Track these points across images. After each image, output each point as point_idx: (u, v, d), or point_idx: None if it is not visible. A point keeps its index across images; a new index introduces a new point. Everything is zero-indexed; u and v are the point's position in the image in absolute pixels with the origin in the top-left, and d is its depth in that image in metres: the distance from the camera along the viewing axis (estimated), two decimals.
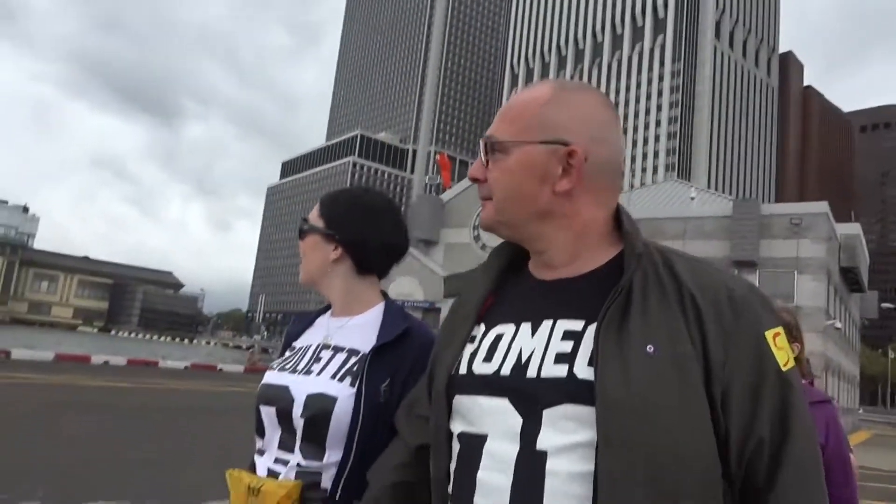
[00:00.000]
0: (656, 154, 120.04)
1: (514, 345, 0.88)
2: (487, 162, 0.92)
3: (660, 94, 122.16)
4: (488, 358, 0.89)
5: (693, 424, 0.77)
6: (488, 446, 0.84)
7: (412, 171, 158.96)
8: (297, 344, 1.40)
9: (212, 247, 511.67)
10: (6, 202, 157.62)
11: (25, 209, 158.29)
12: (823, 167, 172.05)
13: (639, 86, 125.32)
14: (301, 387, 1.25)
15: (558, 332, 0.85)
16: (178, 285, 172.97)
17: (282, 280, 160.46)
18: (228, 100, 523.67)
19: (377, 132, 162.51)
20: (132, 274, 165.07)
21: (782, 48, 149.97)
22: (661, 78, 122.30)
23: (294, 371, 1.31)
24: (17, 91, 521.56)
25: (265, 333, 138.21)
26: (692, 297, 0.82)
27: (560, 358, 0.83)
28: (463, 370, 0.92)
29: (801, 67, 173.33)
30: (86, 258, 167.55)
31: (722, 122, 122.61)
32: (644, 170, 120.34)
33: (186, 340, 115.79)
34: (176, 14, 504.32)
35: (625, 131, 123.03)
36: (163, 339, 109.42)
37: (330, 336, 1.33)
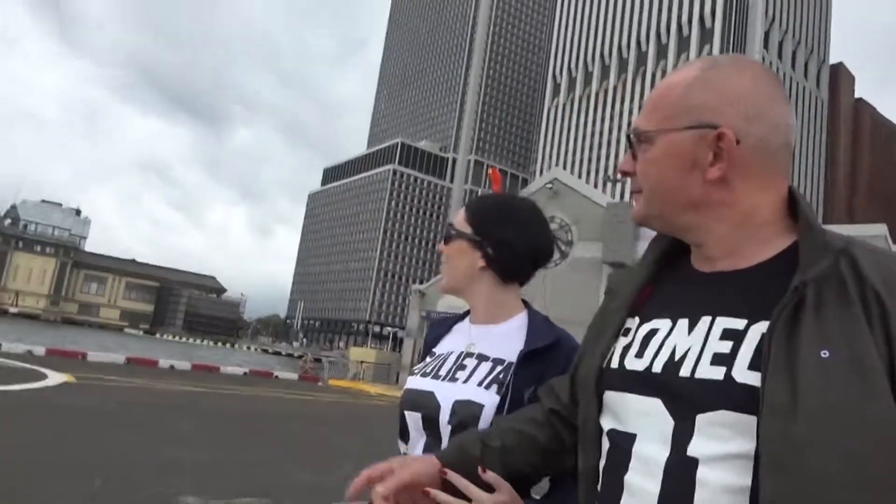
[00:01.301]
0: None
1: (668, 341, 0.84)
2: (634, 155, 0.88)
3: None
4: (640, 353, 0.86)
5: (874, 441, 0.67)
6: (637, 447, 0.81)
7: (451, 180, 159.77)
8: (437, 350, 1.40)
9: (252, 252, 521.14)
10: (60, 204, 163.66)
11: (78, 212, 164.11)
12: (874, 181, 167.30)
13: None
14: (447, 393, 1.25)
15: (717, 331, 0.80)
16: (220, 290, 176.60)
17: (320, 287, 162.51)
18: (272, 106, 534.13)
19: (418, 140, 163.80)
20: (177, 277, 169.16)
21: (833, 59, 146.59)
22: None
23: (437, 377, 1.31)
24: (71, 95, 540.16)
25: (304, 340, 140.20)
26: (877, 296, 0.72)
27: (717, 359, 0.77)
28: (615, 364, 0.89)
29: (852, 79, 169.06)
30: (133, 261, 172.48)
31: None
32: None
33: (228, 345, 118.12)
34: (225, 21, 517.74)
35: None
36: (205, 343, 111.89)
37: (474, 343, 1.32)
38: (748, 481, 0.71)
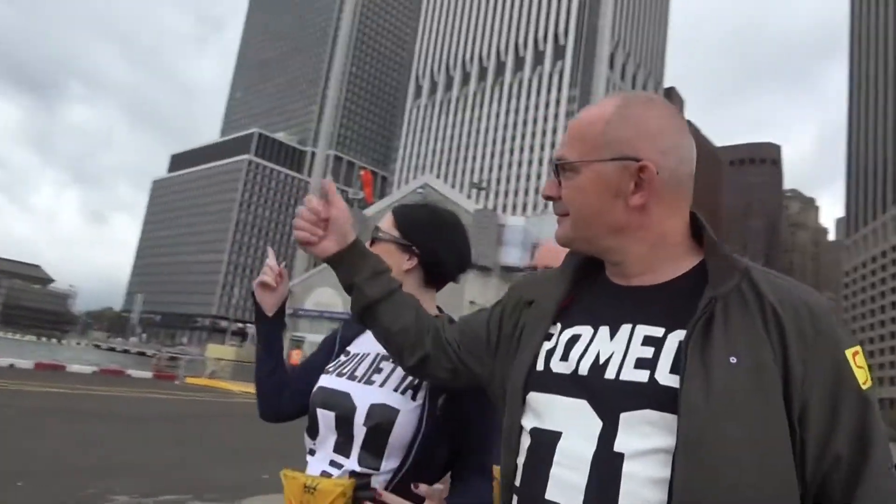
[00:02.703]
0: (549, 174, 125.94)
1: (591, 346, 0.91)
2: (559, 181, 0.94)
3: (556, 117, 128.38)
4: (564, 357, 0.92)
5: (772, 434, 0.78)
6: (563, 444, 0.86)
7: (309, 174, 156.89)
8: (353, 350, 1.42)
9: (85, 240, 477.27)
10: None
11: None
12: (697, 197, 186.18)
13: (537, 107, 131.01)
14: (364, 395, 1.28)
15: (638, 337, 0.88)
16: (46, 280, 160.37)
17: (164, 279, 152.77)
18: (116, 84, 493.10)
19: (275, 131, 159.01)
20: None
21: (666, 83, 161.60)
22: (558, 102, 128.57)
23: (353, 378, 1.33)
24: None
25: (143, 335, 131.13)
26: (773, 311, 0.83)
27: (641, 363, 0.85)
28: (540, 367, 0.94)
29: (682, 102, 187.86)
30: None
31: None
32: (538, 189, 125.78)
33: (55, 340, 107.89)
34: None
35: (521, 150, 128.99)
36: (27, 338, 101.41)
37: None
38: (668, 473, 0.78)
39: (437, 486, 1.22)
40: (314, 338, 27.57)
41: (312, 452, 1.33)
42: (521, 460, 0.92)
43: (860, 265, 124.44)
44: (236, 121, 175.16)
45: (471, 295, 27.02)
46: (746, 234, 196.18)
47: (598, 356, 0.89)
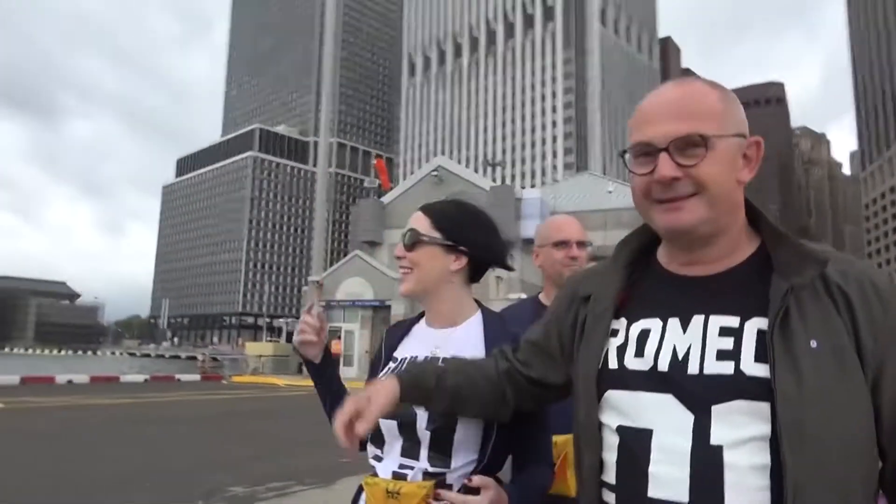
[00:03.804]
0: (554, 139, 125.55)
1: (665, 340, 0.91)
2: (676, 161, 0.90)
3: (553, 80, 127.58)
4: (639, 353, 0.92)
5: (860, 411, 0.83)
6: (657, 441, 0.87)
7: (315, 164, 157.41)
8: (399, 354, 1.43)
9: (103, 253, 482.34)
10: None
11: None
12: None
13: (533, 73, 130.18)
14: None
15: (714, 328, 0.88)
16: (73, 295, 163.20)
17: (186, 283, 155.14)
18: (112, 95, 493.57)
19: (276, 125, 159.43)
20: (22, 286, 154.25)
21: (661, 33, 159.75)
22: (553, 66, 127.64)
23: None
24: None
25: (174, 339, 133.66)
26: (841, 291, 0.86)
27: (722, 355, 0.86)
28: (613, 365, 0.95)
29: (678, 51, 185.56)
30: None
31: (612, 106, 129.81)
32: (543, 156, 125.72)
33: (90, 353, 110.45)
34: (50, 2, 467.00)
35: (522, 118, 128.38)
36: (63, 353, 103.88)
37: (439, 347, 1.35)
38: (767, 459, 0.82)
39: (488, 478, 1.22)
40: (349, 326, 28.55)
41: (378, 459, 1.34)
42: (610, 457, 0.93)
43: (879, 196, 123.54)
44: (236, 118, 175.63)
45: (496, 271, 27.69)
46: (758, 178, 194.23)
47: (674, 350, 0.89)
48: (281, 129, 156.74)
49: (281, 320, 53.19)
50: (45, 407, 14.25)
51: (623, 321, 0.97)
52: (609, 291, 1.01)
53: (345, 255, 37.25)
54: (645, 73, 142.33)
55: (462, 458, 1.27)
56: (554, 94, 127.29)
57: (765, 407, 0.82)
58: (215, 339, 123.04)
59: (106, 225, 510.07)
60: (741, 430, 0.83)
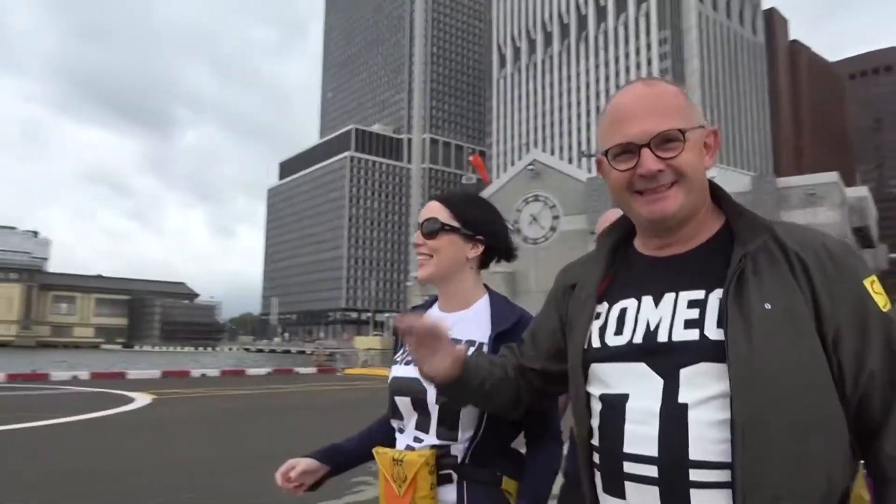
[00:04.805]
0: None
1: (640, 316, 1.01)
2: (656, 154, 0.98)
3: (648, 62, 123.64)
4: (619, 331, 1.02)
5: (811, 364, 0.90)
6: (631, 403, 0.97)
7: (409, 161, 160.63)
8: None
9: (216, 254, 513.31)
10: (15, 228, 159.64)
11: (35, 234, 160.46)
12: (816, 119, 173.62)
13: (627, 56, 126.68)
14: None
15: (682, 302, 0.98)
16: (192, 295, 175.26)
17: (293, 281, 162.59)
18: (216, 104, 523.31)
19: (370, 124, 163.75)
20: (147, 288, 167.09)
21: (765, 4, 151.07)
22: (648, 47, 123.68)
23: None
24: (6, 114, 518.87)
25: (285, 335, 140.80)
26: (798, 258, 0.94)
27: (689, 323, 0.95)
28: (596, 343, 1.05)
29: (785, 22, 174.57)
30: (99, 276, 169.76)
31: (713, 86, 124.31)
32: None
33: (210, 349, 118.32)
34: (155, 19, 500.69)
35: None
36: (186, 349, 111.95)
37: (450, 330, 1.36)
38: (727, 414, 0.89)
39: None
40: None
41: (401, 431, 1.48)
42: (595, 422, 1.03)
43: None
44: (332, 120, 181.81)
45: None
46: (880, 150, 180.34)
47: (647, 324, 0.99)
48: (376, 127, 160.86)
49: (385, 315, 55.20)
50: (188, 397, 15.96)
51: (605, 304, 1.06)
52: (592, 279, 1.10)
53: None
54: (748, 49, 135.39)
55: (468, 431, 1.38)
56: (650, 76, 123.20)
57: (724, 368, 0.90)
58: (322, 335, 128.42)
59: (217, 227, 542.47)
60: (704, 389, 0.91)
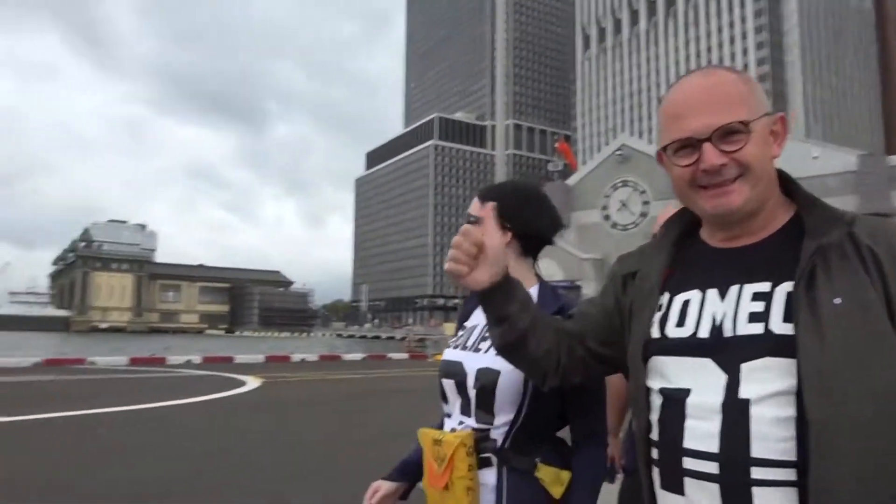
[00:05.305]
0: None
1: (704, 309, 0.98)
2: (719, 148, 0.96)
3: (743, 36, 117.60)
4: (681, 323, 1.00)
5: (885, 362, 0.85)
6: (692, 399, 0.94)
7: (493, 147, 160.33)
8: (468, 323, 1.59)
9: (308, 242, 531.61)
10: (125, 222, 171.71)
11: (143, 227, 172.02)
12: None
13: (720, 30, 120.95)
14: (472, 362, 1.46)
15: (747, 295, 0.95)
16: (288, 283, 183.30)
17: (381, 268, 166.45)
18: (305, 97, 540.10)
19: (453, 112, 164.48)
20: (245, 276, 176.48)
21: None
22: (742, 20, 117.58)
23: (465, 348, 1.51)
24: (112, 114, 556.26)
25: (375, 321, 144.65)
26: (869, 248, 0.90)
27: (754, 317, 0.92)
28: (656, 335, 1.02)
29: None
30: (202, 266, 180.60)
31: (815, 60, 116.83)
32: None
33: (304, 334, 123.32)
34: (244, 18, 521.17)
35: None
36: (283, 334, 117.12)
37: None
38: (793, 412, 0.86)
39: None
40: None
41: (448, 415, 1.52)
42: (654, 417, 1.00)
43: None
44: (416, 109, 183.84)
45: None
46: None
47: (713, 318, 0.96)
48: (459, 115, 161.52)
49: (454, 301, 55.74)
50: (294, 381, 16.91)
51: (667, 295, 1.04)
52: (655, 268, 1.08)
53: None
54: (854, 16, 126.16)
55: (505, 416, 1.40)
56: (745, 51, 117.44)
57: (791, 363, 0.87)
58: (410, 321, 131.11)
59: (308, 217, 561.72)
60: (767, 384, 0.88)
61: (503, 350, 1.20)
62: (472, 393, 1.43)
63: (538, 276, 1.57)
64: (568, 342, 1.17)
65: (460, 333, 1.59)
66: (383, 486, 1.63)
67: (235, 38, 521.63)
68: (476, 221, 1.49)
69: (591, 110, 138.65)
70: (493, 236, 1.14)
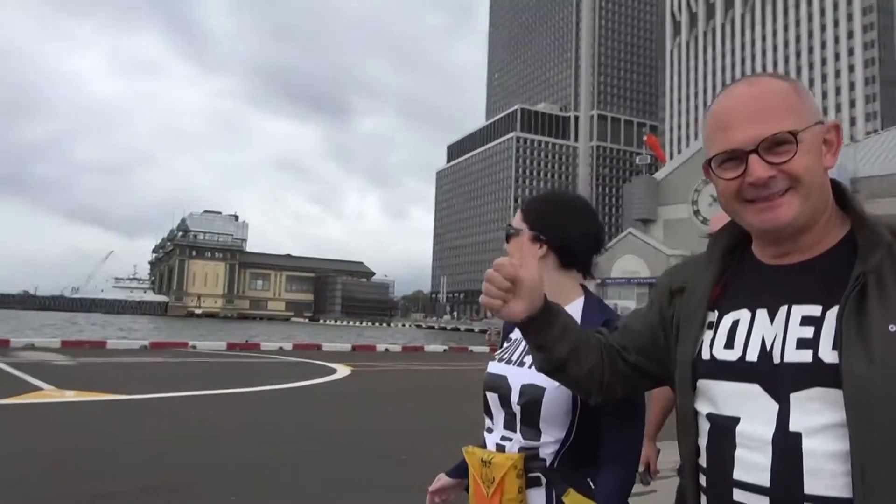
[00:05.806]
0: (852, 87, 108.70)
1: (753, 331, 0.93)
2: (766, 160, 0.91)
3: (849, 17, 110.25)
4: (729, 344, 0.95)
5: None
6: (742, 428, 0.90)
7: (575, 139, 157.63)
8: (513, 336, 1.55)
9: (389, 234, 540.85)
10: (220, 212, 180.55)
11: (236, 217, 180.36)
12: None
13: (823, 13, 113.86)
14: (517, 377, 1.42)
15: (796, 318, 0.90)
16: (369, 273, 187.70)
17: (460, 260, 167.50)
18: (390, 91, 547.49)
19: (536, 104, 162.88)
20: (329, 267, 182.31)
21: None
22: (849, 1, 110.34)
23: (510, 362, 1.48)
24: (208, 109, 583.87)
25: (455, 313, 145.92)
26: None
27: (802, 343, 0.87)
28: (706, 356, 0.98)
29: None
30: (288, 256, 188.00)
31: None
32: (838, 108, 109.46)
33: (385, 324, 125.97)
34: (334, 12, 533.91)
35: (810, 67, 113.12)
36: (364, 324, 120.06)
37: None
38: (846, 446, 0.81)
39: None
40: (624, 304, 29.13)
41: (490, 430, 1.48)
42: (703, 442, 0.97)
43: None
44: (498, 101, 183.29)
45: None
46: None
47: (762, 341, 0.92)
48: (541, 106, 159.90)
49: None
50: (381, 370, 17.38)
51: (716, 313, 1.00)
52: (704, 284, 1.03)
53: (614, 230, 37.61)
54: None
55: (552, 435, 1.36)
56: (850, 34, 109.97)
57: (839, 394, 0.82)
58: (488, 314, 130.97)
59: (390, 209, 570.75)
60: (818, 416, 0.84)
61: (544, 373, 1.18)
62: (516, 409, 1.41)
63: (584, 289, 1.53)
64: (611, 357, 1.14)
65: (505, 345, 1.56)
66: (443, 479, 1.66)
67: (326, 35, 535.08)
68: (515, 234, 1.50)
69: (680, 100, 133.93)
70: (529, 266, 1.08)
